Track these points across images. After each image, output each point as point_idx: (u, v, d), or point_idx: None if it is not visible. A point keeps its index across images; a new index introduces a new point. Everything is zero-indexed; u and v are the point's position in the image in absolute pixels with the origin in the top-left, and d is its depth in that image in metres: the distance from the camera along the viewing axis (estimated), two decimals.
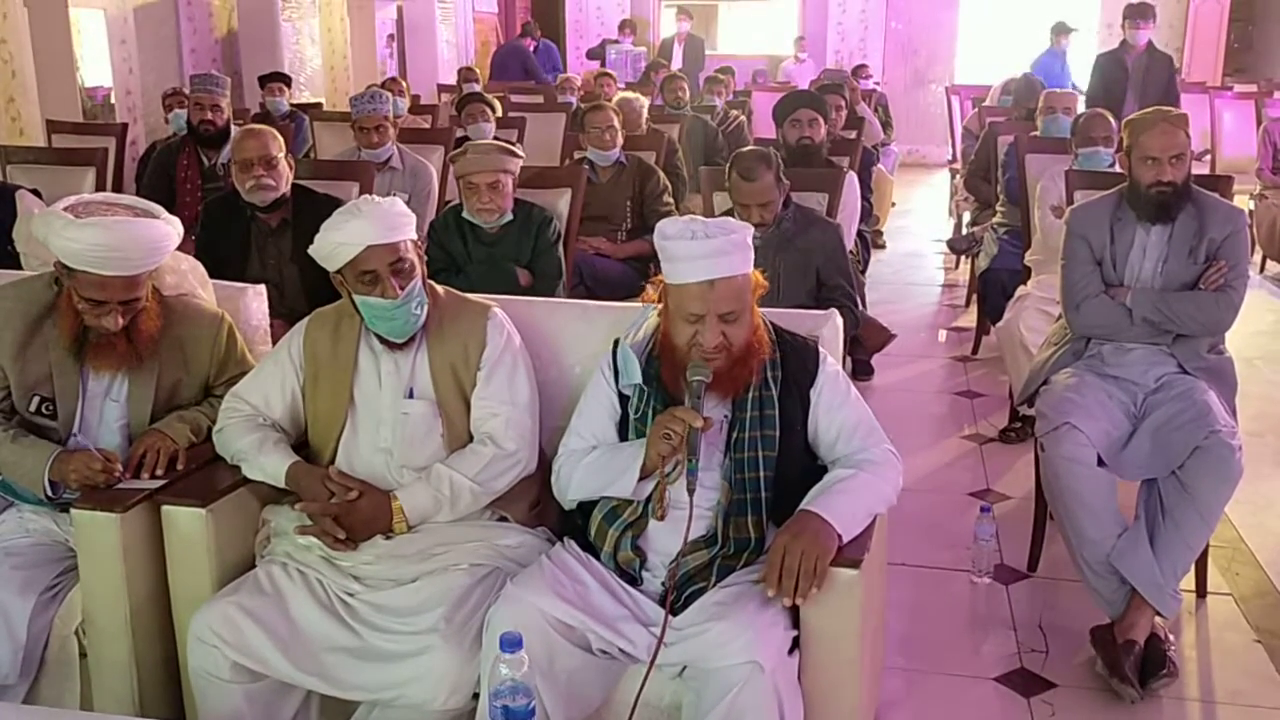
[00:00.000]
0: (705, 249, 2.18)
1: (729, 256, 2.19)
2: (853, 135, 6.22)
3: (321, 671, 2.23)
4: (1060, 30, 10.22)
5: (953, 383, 5.32)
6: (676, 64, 11.56)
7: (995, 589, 3.33)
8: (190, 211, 4.98)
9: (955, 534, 3.61)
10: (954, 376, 5.41)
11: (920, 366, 5.57)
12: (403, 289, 2.37)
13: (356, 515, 2.39)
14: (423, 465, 2.44)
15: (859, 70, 11.40)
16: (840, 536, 2.14)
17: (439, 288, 2.57)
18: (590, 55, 12.98)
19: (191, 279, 2.70)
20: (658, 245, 2.25)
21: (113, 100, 8.49)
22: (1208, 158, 8.53)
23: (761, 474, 2.27)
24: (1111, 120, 4.48)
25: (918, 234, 9.02)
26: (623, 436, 2.37)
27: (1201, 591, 3.24)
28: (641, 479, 2.25)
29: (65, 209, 2.38)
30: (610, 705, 2.20)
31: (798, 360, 2.34)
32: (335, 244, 2.37)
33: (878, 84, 11.89)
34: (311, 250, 2.43)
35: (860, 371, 5.18)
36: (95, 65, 8.34)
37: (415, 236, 2.47)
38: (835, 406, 2.35)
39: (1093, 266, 3.25)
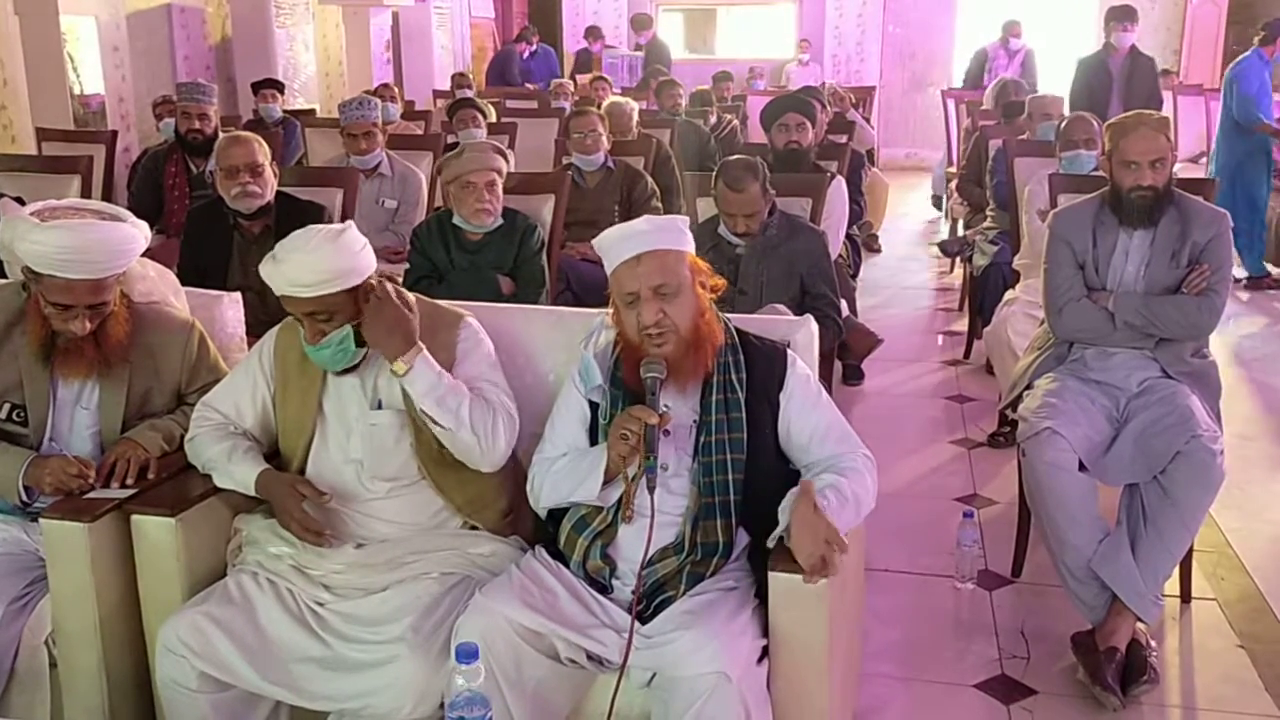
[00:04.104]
0: (630, 232, 2.29)
1: (653, 234, 2.27)
2: (843, 140, 6.21)
3: (289, 682, 2.22)
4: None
5: (944, 387, 5.30)
6: (638, 69, 11.52)
7: (979, 595, 3.31)
8: (179, 219, 4.99)
9: (941, 539, 3.59)
10: (945, 381, 5.39)
11: (911, 371, 5.56)
12: (320, 336, 2.33)
13: (389, 315, 2.31)
14: (393, 475, 2.43)
15: (1011, 27, 10.17)
16: None
17: (410, 296, 2.55)
18: (579, 66, 12.84)
19: (162, 285, 2.69)
20: (596, 248, 2.33)
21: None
22: (1204, 160, 8.51)
23: (730, 477, 2.26)
24: (1094, 123, 4.47)
25: (914, 237, 9.01)
26: (594, 443, 2.36)
27: (1186, 597, 3.22)
28: (607, 483, 2.24)
29: (31, 214, 2.37)
30: (578, 715, 2.19)
31: (765, 363, 2.34)
32: (266, 276, 2.33)
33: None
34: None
35: (850, 376, 5.18)
36: (90, 73, 8.33)
37: (358, 281, 2.34)
38: (806, 409, 2.34)
39: (1075, 271, 3.23)
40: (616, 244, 2.28)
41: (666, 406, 2.22)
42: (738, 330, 2.37)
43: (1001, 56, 10.29)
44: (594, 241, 2.35)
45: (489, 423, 2.37)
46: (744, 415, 2.28)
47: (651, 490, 2.15)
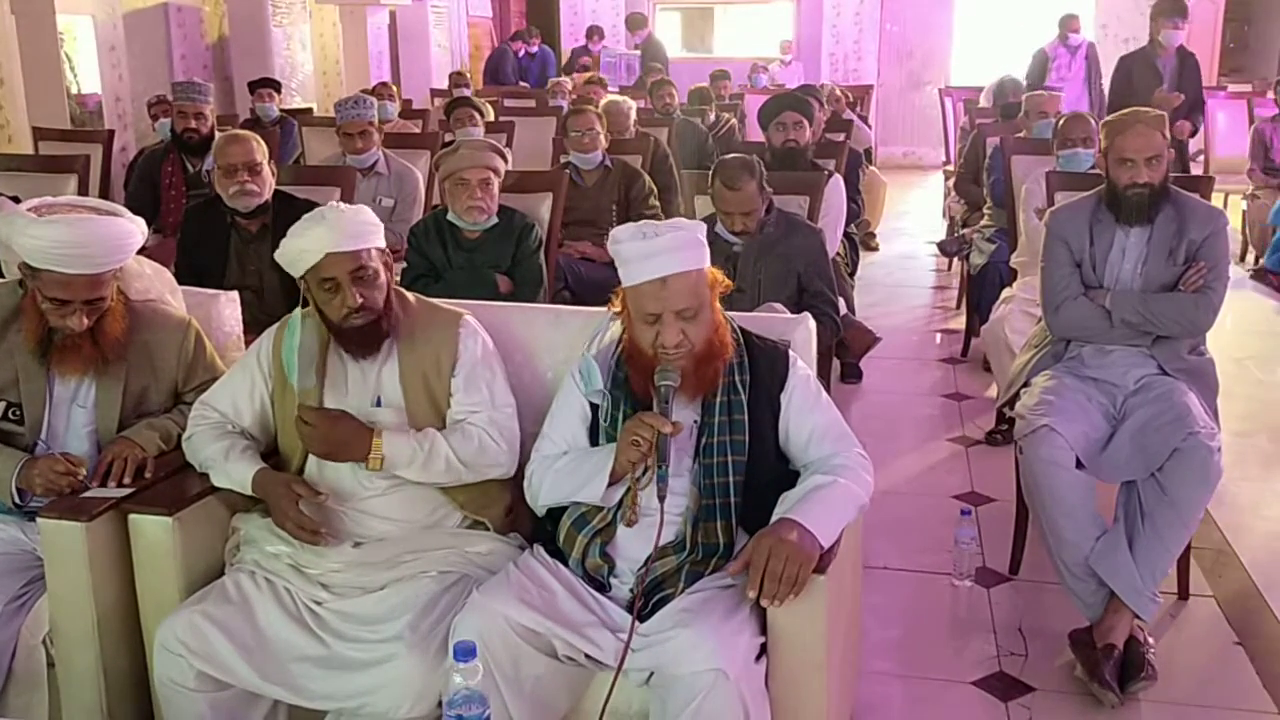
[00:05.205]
0: (655, 247, 2.20)
1: (679, 253, 2.20)
2: (841, 138, 6.21)
3: (287, 681, 2.22)
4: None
5: (941, 385, 5.30)
6: (636, 68, 11.49)
7: (976, 592, 3.31)
8: (175, 218, 4.98)
9: (939, 537, 3.59)
10: (943, 379, 5.39)
11: (909, 369, 5.56)
12: (363, 297, 2.35)
13: (337, 434, 2.35)
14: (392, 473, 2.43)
15: (1068, 22, 9.33)
16: (821, 546, 2.13)
17: (410, 295, 2.55)
18: (570, 65, 12.75)
19: (159, 284, 2.69)
20: (612, 251, 2.26)
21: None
22: (1201, 158, 8.52)
23: (731, 479, 2.26)
24: (1091, 121, 4.46)
25: (912, 236, 9.01)
26: (594, 442, 2.36)
27: (1184, 593, 3.22)
28: (611, 484, 2.24)
29: (29, 209, 2.37)
30: (577, 712, 2.19)
31: (767, 364, 2.33)
32: (298, 250, 2.36)
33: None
34: (276, 255, 2.42)
35: (849, 375, 5.18)
36: (87, 72, 8.32)
37: (383, 245, 2.45)
38: (806, 410, 2.34)
39: (1072, 268, 3.23)
40: (640, 261, 2.21)
41: None
42: (742, 330, 2.36)
43: (1063, 55, 9.40)
44: (610, 246, 2.27)
45: (476, 452, 2.41)
46: (746, 417, 2.28)
47: (662, 499, 2.14)
